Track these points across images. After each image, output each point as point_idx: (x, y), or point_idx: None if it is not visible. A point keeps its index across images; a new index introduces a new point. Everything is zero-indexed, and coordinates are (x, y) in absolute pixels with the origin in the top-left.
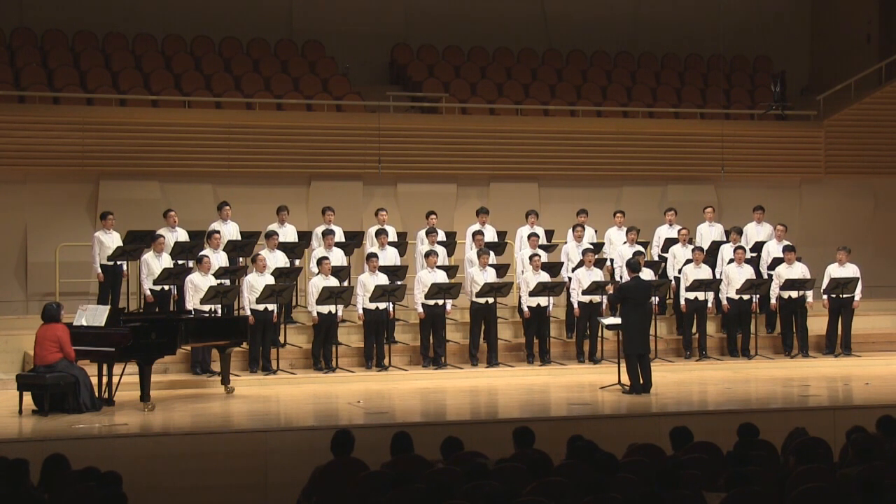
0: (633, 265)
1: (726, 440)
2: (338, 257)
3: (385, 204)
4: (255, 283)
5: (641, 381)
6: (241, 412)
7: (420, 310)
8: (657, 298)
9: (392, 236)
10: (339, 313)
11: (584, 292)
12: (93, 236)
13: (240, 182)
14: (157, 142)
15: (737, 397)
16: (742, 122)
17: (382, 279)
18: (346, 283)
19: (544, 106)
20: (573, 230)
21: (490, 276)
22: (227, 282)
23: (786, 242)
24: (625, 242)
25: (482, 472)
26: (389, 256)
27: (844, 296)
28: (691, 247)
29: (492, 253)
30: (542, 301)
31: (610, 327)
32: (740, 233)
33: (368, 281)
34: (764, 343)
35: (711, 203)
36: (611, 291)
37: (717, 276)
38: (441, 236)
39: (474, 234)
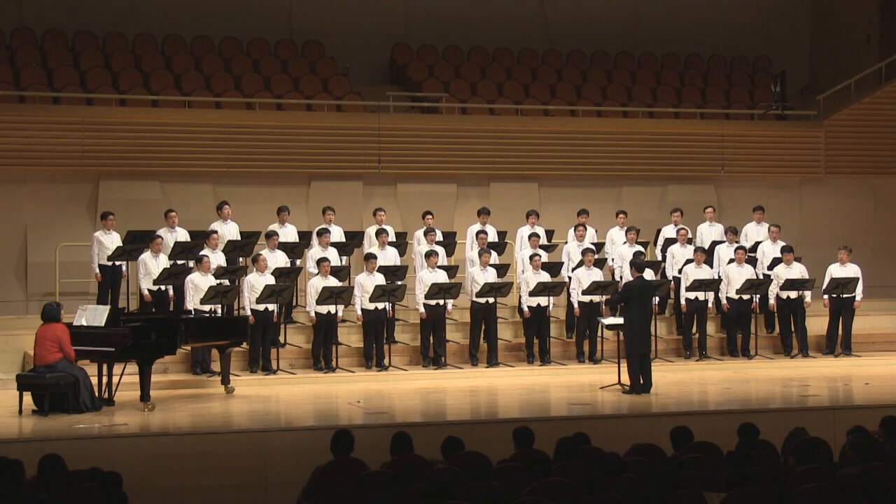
0: (639, 265)
1: (726, 440)
2: (332, 257)
3: (385, 204)
4: (256, 282)
5: (641, 381)
6: (241, 412)
7: (421, 310)
8: (657, 298)
9: (392, 236)
10: (339, 313)
11: (584, 292)
12: (92, 236)
13: (240, 182)
14: (157, 142)
15: (737, 397)
16: (742, 122)
17: (380, 279)
18: (345, 283)
19: (544, 106)
20: (575, 230)
21: (491, 275)
22: (227, 282)
23: (782, 243)
24: (625, 242)
25: (482, 472)
26: (389, 256)
27: (845, 296)
28: (690, 247)
29: (494, 253)
30: (542, 301)
31: (610, 327)
32: (736, 232)
33: (366, 281)
34: (764, 343)
35: (711, 203)
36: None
37: (716, 276)
38: (439, 236)
39: (478, 233)
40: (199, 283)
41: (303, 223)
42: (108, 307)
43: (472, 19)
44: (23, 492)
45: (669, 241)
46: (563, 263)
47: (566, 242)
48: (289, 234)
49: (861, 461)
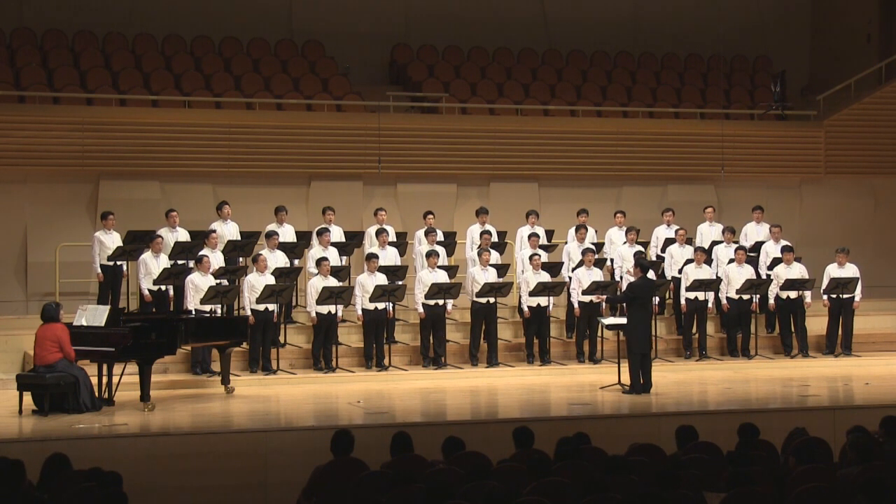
0: (643, 265)
1: (727, 440)
2: (332, 257)
3: (385, 204)
4: (256, 282)
5: (642, 381)
6: (241, 412)
7: (420, 310)
8: (657, 298)
9: (392, 236)
10: (339, 313)
11: (584, 292)
12: (93, 236)
13: (240, 182)
14: (157, 142)
15: (737, 397)
16: (742, 122)
17: (381, 279)
18: (345, 283)
19: (544, 106)
20: (576, 230)
21: (491, 275)
22: (227, 282)
23: (784, 242)
24: (624, 242)
25: (482, 472)
26: (389, 256)
27: (844, 296)
28: (689, 247)
29: (495, 252)
30: (542, 301)
31: (610, 327)
32: (733, 232)
33: (367, 281)
34: (764, 343)
35: (711, 203)
36: (613, 293)
37: (715, 276)
38: (440, 236)
39: (482, 233)
40: (199, 283)
41: (303, 223)
42: (108, 307)
43: (472, 19)
44: (23, 492)
45: (669, 242)
46: (563, 263)
47: (566, 242)
48: (286, 233)
49: (861, 461)
